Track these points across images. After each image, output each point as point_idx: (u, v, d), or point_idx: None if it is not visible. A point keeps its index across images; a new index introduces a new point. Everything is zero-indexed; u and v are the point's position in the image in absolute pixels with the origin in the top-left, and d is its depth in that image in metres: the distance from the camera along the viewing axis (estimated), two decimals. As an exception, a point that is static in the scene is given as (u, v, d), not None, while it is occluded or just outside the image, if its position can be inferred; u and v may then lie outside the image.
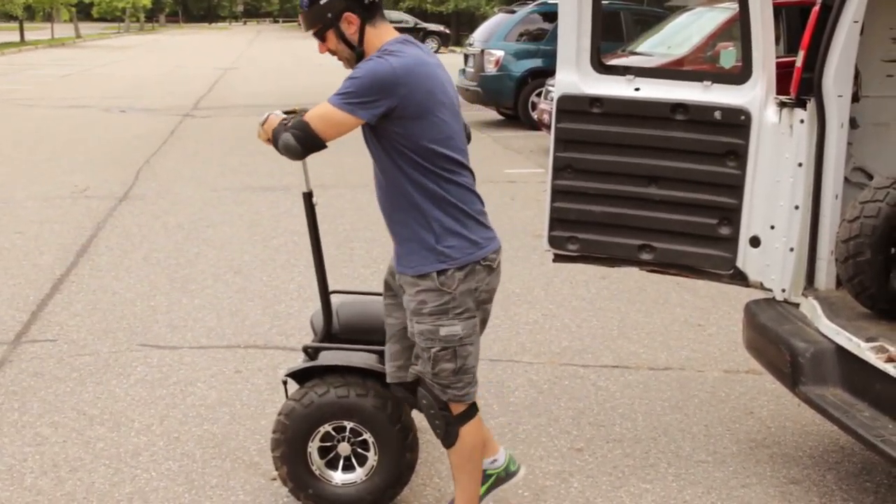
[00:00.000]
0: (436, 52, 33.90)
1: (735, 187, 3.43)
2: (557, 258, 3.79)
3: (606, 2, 12.94)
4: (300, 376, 3.16)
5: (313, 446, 3.14)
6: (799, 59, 3.41)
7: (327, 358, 3.16)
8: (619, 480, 3.51)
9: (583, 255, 3.73)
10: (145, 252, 6.62)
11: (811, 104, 3.32)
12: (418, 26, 38.00)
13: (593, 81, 3.59)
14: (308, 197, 3.07)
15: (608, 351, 4.81)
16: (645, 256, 3.62)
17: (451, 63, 15.47)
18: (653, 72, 4.03)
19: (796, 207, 3.38)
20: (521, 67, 13.19)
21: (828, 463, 3.65)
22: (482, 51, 13.49)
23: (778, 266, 3.44)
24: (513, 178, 9.44)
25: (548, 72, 12.08)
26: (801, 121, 3.34)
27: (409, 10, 43.90)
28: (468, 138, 3.07)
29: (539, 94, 12.19)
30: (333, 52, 2.79)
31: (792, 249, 3.42)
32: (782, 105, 3.37)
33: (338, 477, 3.18)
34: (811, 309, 3.31)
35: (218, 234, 7.18)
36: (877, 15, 3.53)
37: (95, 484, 3.47)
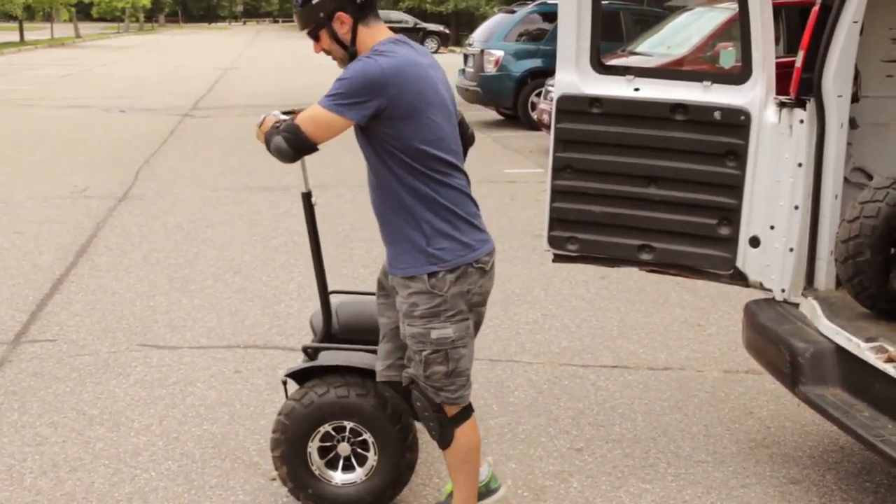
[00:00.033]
0: (435, 52, 33.91)
1: (735, 187, 3.43)
2: (557, 258, 3.79)
3: (606, 2, 12.94)
4: (300, 376, 3.16)
5: (313, 446, 3.14)
6: (799, 60, 3.41)
7: (327, 358, 3.16)
8: (618, 480, 3.51)
9: (582, 255, 3.73)
10: (145, 252, 6.62)
11: (811, 104, 3.32)
12: (418, 26, 38.00)
13: (593, 81, 3.59)
14: (307, 197, 3.07)
15: (608, 351, 4.81)
16: (644, 256, 3.62)
17: (450, 63, 15.48)
18: (652, 72, 4.03)
19: (796, 207, 3.38)
20: (520, 67, 13.19)
21: (827, 463, 3.65)
22: (482, 51, 13.49)
23: (778, 266, 3.44)
24: (512, 178, 9.44)
25: (547, 72, 12.08)
26: (801, 121, 3.34)
27: (409, 10, 43.90)
28: (471, 140, 3.05)
29: (539, 94, 12.19)
30: (328, 52, 2.78)
31: (792, 249, 3.42)
32: (782, 105, 3.37)
33: (338, 477, 3.18)
34: (811, 309, 3.31)
35: (217, 234, 7.18)
36: (877, 15, 3.53)
37: (95, 484, 3.47)
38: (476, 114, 14.63)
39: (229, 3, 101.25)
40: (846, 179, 3.53)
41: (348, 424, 3.12)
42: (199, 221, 7.58)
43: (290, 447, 3.11)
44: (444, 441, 2.88)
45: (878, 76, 3.68)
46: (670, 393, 4.29)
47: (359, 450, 3.16)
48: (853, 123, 3.54)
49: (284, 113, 2.79)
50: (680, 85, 3.53)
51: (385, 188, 2.74)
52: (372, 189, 2.81)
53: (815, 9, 3.39)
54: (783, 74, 3.35)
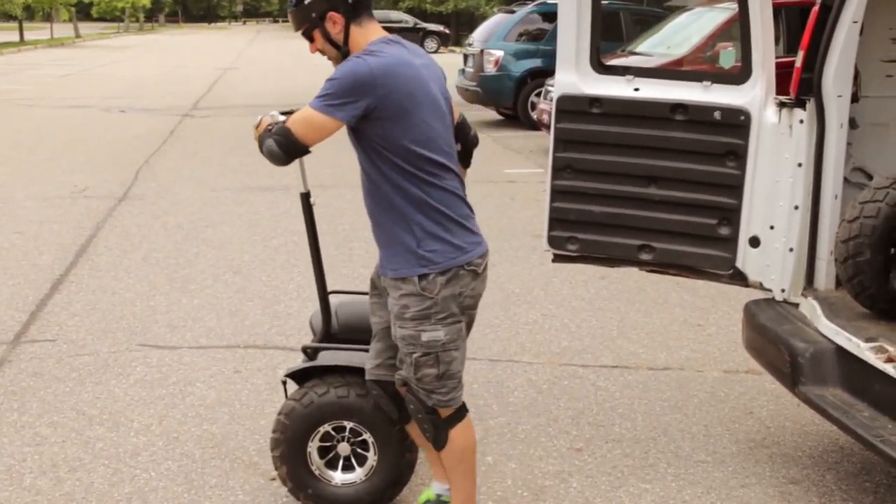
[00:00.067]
0: (435, 52, 33.90)
1: (735, 187, 3.43)
2: (557, 258, 3.79)
3: (606, 2, 12.94)
4: (299, 376, 3.16)
5: (313, 446, 3.14)
6: (798, 60, 3.40)
7: (327, 358, 3.16)
8: (618, 480, 3.51)
9: (582, 255, 3.73)
10: (145, 252, 6.62)
11: (811, 104, 3.32)
12: (418, 26, 38.00)
13: (593, 81, 3.59)
14: (305, 197, 3.07)
15: (608, 351, 4.81)
16: (644, 256, 3.62)
17: (450, 63, 15.48)
18: (652, 72, 4.03)
19: (796, 207, 3.38)
20: (520, 67, 13.19)
21: (827, 463, 3.65)
22: (482, 51, 13.49)
23: (777, 266, 3.44)
24: (512, 178, 9.45)
25: (547, 72, 12.08)
26: (801, 121, 3.33)
27: (409, 10, 43.89)
28: (474, 141, 3.02)
29: (538, 94, 12.19)
30: (322, 52, 2.78)
31: (791, 249, 3.41)
32: (782, 105, 3.37)
33: (337, 477, 3.18)
34: (811, 309, 3.31)
35: (217, 234, 7.18)
36: (877, 15, 3.53)
37: (94, 484, 3.47)
38: (476, 114, 14.62)
39: (229, 2, 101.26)
40: (846, 179, 3.53)
41: (348, 424, 3.12)
42: (199, 221, 7.58)
43: (289, 447, 3.11)
44: (439, 443, 2.87)
45: (877, 76, 3.68)
46: (670, 393, 4.29)
47: (358, 450, 3.16)
48: (853, 123, 3.54)
49: (283, 113, 2.79)
50: (680, 85, 3.53)
51: (376, 190, 2.73)
52: (364, 190, 2.80)
53: (815, 9, 3.39)
54: (783, 74, 3.35)
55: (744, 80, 3.39)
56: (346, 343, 3.24)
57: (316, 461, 3.16)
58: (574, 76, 3.59)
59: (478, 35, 14.51)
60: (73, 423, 3.96)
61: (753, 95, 3.37)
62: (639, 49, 10.52)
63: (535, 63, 13.13)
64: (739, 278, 3.52)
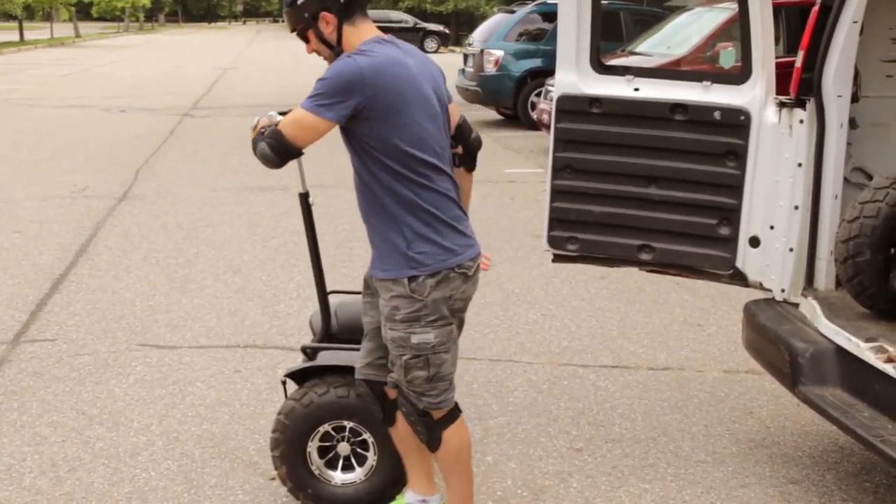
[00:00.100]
0: (435, 51, 33.89)
1: (734, 187, 3.42)
2: (557, 258, 3.79)
3: (606, 2, 12.94)
4: (299, 376, 3.16)
5: (313, 446, 3.14)
6: (798, 60, 3.40)
7: (326, 358, 3.16)
8: (618, 480, 3.51)
9: (582, 255, 3.73)
10: (144, 252, 6.62)
11: (811, 104, 3.32)
12: (418, 26, 38.00)
13: (593, 81, 3.59)
14: (304, 197, 3.06)
15: (607, 351, 4.81)
16: (644, 256, 3.62)
17: (450, 63, 15.47)
18: (652, 72, 4.03)
19: (796, 207, 3.38)
20: (520, 67, 13.19)
21: (827, 463, 3.65)
22: (482, 51, 13.49)
23: (777, 266, 3.44)
24: (512, 178, 9.45)
25: (547, 72, 12.08)
26: (801, 121, 3.33)
27: (409, 10, 43.89)
28: (476, 143, 2.95)
29: (539, 94, 12.20)
30: (318, 53, 2.77)
31: (791, 249, 3.41)
32: (782, 105, 3.37)
33: (337, 477, 3.18)
34: (811, 309, 3.31)
35: (217, 233, 7.18)
36: (877, 15, 3.53)
37: (94, 483, 3.47)
38: (476, 114, 14.63)
39: (229, 2, 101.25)
40: (846, 179, 3.53)
41: (348, 424, 3.12)
42: (199, 221, 7.58)
43: (289, 447, 3.11)
44: (433, 444, 2.86)
45: (877, 76, 3.68)
46: (670, 393, 4.29)
47: (358, 449, 3.16)
48: (853, 123, 3.54)
49: (281, 113, 2.78)
50: (680, 85, 3.53)
51: (367, 191, 2.72)
52: (356, 191, 2.79)
53: (815, 9, 3.39)
54: (783, 74, 3.35)
55: (744, 80, 3.39)
56: (345, 343, 3.24)
57: (316, 461, 3.16)
58: (574, 76, 3.59)
59: (478, 35, 14.51)
60: (73, 422, 3.96)
61: (753, 95, 3.37)
62: (639, 49, 10.52)
63: (535, 63, 13.14)
64: (739, 278, 3.52)
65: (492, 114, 14.78)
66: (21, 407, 4.11)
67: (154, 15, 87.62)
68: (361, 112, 2.58)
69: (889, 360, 2.86)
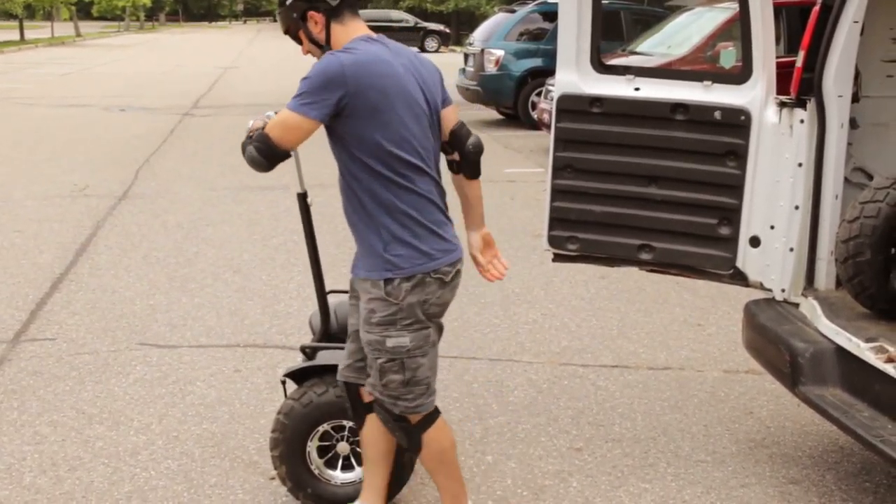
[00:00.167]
0: (436, 51, 33.89)
1: (735, 187, 3.42)
2: (557, 258, 3.79)
3: (606, 1, 12.93)
4: (299, 376, 3.16)
5: (312, 445, 3.14)
6: (799, 60, 3.40)
7: (325, 357, 3.16)
8: (618, 480, 3.51)
9: (582, 254, 3.73)
10: (145, 251, 6.62)
11: (811, 104, 3.32)
12: (418, 25, 37.96)
13: (593, 81, 3.59)
14: (302, 197, 3.06)
15: (608, 351, 4.81)
16: (645, 256, 3.62)
17: (451, 63, 15.47)
18: (653, 72, 4.04)
19: (796, 207, 3.38)
20: (520, 67, 13.19)
21: (827, 463, 3.65)
22: (482, 50, 13.49)
23: (778, 266, 3.44)
24: (512, 178, 9.45)
25: (548, 71, 12.08)
26: (801, 121, 3.33)
27: (410, 10, 43.85)
28: (474, 148, 2.87)
29: (539, 94, 12.20)
30: (311, 53, 2.76)
31: (792, 249, 3.41)
32: (782, 105, 3.36)
33: (337, 476, 3.18)
34: (811, 309, 3.31)
35: (217, 233, 7.18)
36: (877, 15, 3.52)
37: (94, 483, 3.47)
38: (476, 113, 14.63)
39: (230, 2, 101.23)
40: (846, 179, 3.53)
41: (347, 424, 3.12)
42: (199, 220, 7.58)
43: (289, 446, 3.11)
44: (413, 447, 2.85)
45: (878, 76, 3.68)
46: (670, 393, 4.29)
47: (358, 449, 3.16)
48: (853, 123, 3.54)
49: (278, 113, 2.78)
50: (680, 85, 3.53)
51: (349, 191, 2.72)
52: (340, 192, 2.79)
53: (816, 9, 3.39)
54: (783, 74, 3.35)
55: (744, 80, 3.39)
56: (344, 343, 3.24)
57: (315, 460, 3.16)
58: (574, 76, 3.59)
59: (478, 34, 14.51)
60: (73, 421, 3.96)
61: (754, 95, 3.37)
62: (639, 49, 10.52)
63: (536, 62, 13.14)
64: (740, 278, 3.52)
65: (492, 113, 14.78)
66: (21, 406, 4.11)
67: (154, 14, 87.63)
68: (344, 109, 2.56)
69: (889, 360, 2.86)
